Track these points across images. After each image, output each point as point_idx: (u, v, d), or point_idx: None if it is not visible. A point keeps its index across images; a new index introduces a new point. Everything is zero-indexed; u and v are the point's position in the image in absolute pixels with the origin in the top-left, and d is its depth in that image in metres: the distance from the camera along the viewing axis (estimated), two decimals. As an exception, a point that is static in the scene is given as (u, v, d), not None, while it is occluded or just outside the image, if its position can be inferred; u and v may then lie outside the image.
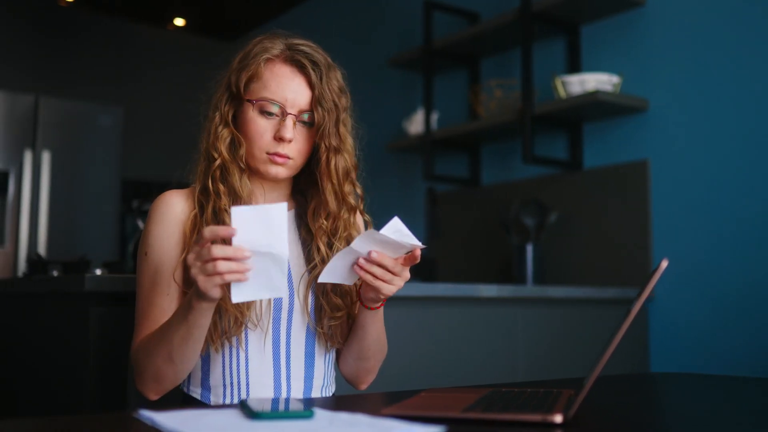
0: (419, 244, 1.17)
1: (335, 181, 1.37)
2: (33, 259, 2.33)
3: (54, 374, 1.77)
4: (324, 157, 1.35)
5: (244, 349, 1.30)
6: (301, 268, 1.38)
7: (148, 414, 0.88)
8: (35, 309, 1.94)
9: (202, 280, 1.06)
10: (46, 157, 3.67)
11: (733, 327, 2.49)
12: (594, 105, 2.74)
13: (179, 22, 2.86)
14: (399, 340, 2.10)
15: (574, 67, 3.01)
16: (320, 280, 1.22)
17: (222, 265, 1.03)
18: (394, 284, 1.22)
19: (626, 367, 2.58)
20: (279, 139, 1.31)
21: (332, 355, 1.42)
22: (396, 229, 1.13)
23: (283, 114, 1.31)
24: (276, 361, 1.32)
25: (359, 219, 1.46)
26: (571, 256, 2.95)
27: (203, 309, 1.14)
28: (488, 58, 3.41)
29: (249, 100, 1.32)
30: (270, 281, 1.05)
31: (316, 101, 1.33)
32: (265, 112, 1.32)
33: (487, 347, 2.30)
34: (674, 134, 2.70)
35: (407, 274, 1.23)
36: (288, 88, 1.32)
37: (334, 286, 1.36)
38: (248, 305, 1.29)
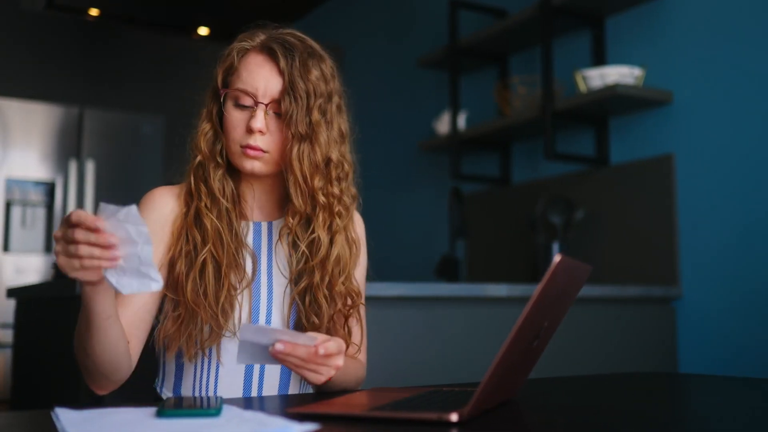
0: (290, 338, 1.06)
1: (299, 174, 1.25)
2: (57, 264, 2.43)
3: (58, 370, 1.85)
4: (289, 147, 1.25)
5: (216, 360, 1.27)
6: (282, 283, 1.32)
7: (58, 411, 0.91)
8: (48, 311, 2.03)
9: (62, 261, 0.98)
10: (90, 167, 3.82)
11: (765, 325, 2.38)
12: (615, 99, 2.67)
13: (203, 31, 2.93)
14: (405, 339, 2.10)
15: (600, 61, 2.94)
16: (238, 361, 1.12)
17: (83, 250, 0.96)
18: (321, 373, 1.12)
19: (653, 367, 2.51)
20: (249, 130, 1.25)
21: None
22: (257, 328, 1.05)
23: (255, 104, 1.26)
24: (248, 377, 1.29)
25: (358, 220, 1.40)
26: (597, 253, 2.88)
27: (87, 294, 1.07)
28: (516, 55, 3.37)
29: (225, 92, 1.28)
30: (140, 271, 0.98)
31: (284, 89, 1.25)
32: (239, 104, 1.26)
33: (498, 346, 2.26)
34: (700, 127, 2.61)
35: (338, 362, 1.12)
36: (258, 76, 1.26)
37: (311, 303, 1.29)
38: (226, 317, 1.24)
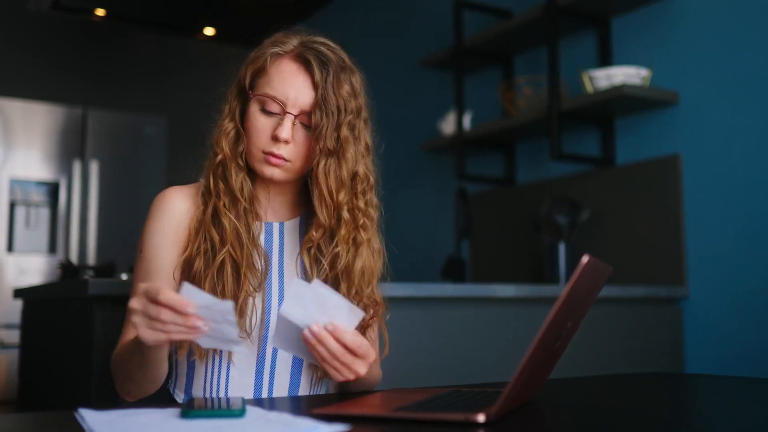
0: (349, 304, 1.07)
1: (325, 189, 1.26)
2: (64, 264, 2.43)
3: (66, 371, 1.85)
4: (316, 161, 1.26)
5: (227, 359, 1.28)
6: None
7: (82, 412, 0.91)
8: (55, 312, 2.02)
9: (145, 333, 1.01)
10: (94, 167, 3.82)
11: (772, 326, 2.39)
12: (621, 99, 2.67)
13: (209, 31, 2.93)
14: (413, 340, 2.10)
15: (606, 61, 2.94)
16: (272, 343, 1.14)
17: (171, 328, 0.99)
18: (343, 374, 1.12)
19: (659, 367, 2.51)
20: (275, 138, 1.25)
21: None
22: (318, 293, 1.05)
23: (284, 113, 1.25)
24: (258, 377, 1.30)
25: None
26: (603, 254, 2.88)
27: (150, 349, 1.11)
28: (521, 56, 3.37)
29: (252, 95, 1.27)
30: (223, 336, 1.02)
31: (317, 103, 1.25)
32: (265, 110, 1.26)
33: (505, 347, 2.27)
34: (706, 128, 2.61)
35: (361, 369, 1.11)
36: (291, 86, 1.25)
37: None
38: (242, 317, 1.25)
